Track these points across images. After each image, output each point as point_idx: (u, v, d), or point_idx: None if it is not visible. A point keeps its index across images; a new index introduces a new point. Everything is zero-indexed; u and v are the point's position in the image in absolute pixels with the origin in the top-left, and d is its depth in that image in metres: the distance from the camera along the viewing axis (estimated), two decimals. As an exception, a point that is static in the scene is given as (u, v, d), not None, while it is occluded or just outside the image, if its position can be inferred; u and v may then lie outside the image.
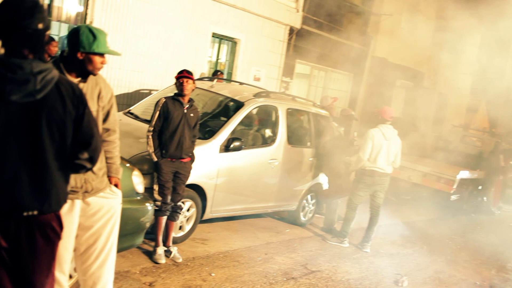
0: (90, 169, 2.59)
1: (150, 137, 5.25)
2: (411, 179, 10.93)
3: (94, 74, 3.20)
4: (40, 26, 2.30)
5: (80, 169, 2.55)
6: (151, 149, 5.24)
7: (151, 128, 5.26)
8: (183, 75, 5.25)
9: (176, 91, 5.40)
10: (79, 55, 3.09)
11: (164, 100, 5.29)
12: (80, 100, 2.43)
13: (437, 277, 6.57)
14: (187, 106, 5.33)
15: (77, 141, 2.44)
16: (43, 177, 2.36)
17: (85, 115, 2.44)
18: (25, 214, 2.33)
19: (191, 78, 5.29)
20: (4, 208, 2.30)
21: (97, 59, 3.13)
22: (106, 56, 3.25)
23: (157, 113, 5.25)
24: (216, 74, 9.02)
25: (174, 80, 5.44)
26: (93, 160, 2.54)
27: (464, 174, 10.84)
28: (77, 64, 3.13)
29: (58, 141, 2.37)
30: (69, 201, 3.22)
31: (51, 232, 2.44)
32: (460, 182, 10.65)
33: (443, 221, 10.19)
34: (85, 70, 3.16)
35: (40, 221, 2.39)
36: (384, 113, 7.04)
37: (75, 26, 3.17)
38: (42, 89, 2.30)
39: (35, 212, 2.35)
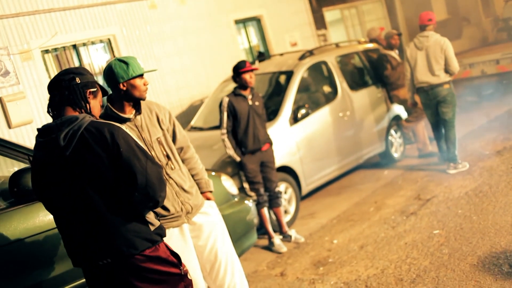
0: (154, 206, 2.46)
1: (226, 138, 5.23)
2: (485, 72, 10.34)
3: (143, 99, 3.20)
4: (78, 80, 2.44)
5: (142, 209, 2.45)
6: (231, 151, 5.22)
7: (224, 131, 5.23)
8: (250, 69, 5.16)
9: (236, 86, 5.33)
10: (121, 86, 3.11)
11: (228, 99, 5.23)
12: (110, 140, 2.32)
13: (555, 154, 6.18)
14: (250, 96, 5.27)
15: (124, 182, 2.35)
16: (104, 226, 2.37)
17: (121, 154, 2.32)
18: (100, 263, 2.39)
19: (256, 69, 5.24)
20: (83, 260, 2.45)
21: (138, 82, 3.13)
22: (147, 79, 3.26)
23: (225, 113, 5.21)
24: (260, 56, 8.90)
25: (218, 81, 5.37)
26: (149, 197, 2.38)
27: (538, 43, 10.14)
28: (124, 96, 3.14)
29: (102, 187, 2.35)
30: (177, 229, 3.28)
31: (150, 274, 2.43)
32: (538, 53, 9.96)
33: (536, 98, 9.59)
34: (133, 98, 3.16)
35: (128, 266, 2.40)
36: (420, 20, 6.61)
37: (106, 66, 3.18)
38: (68, 144, 2.33)
39: (109, 260, 2.39)
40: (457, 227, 4.75)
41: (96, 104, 2.54)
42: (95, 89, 2.52)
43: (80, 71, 2.50)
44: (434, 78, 6.41)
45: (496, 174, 5.94)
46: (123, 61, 3.12)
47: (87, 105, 2.47)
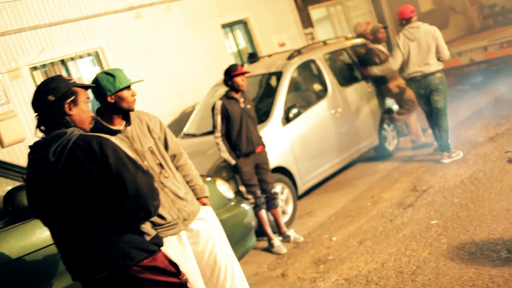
0: (148, 216, 2.45)
1: (220, 142, 5.23)
2: (473, 60, 10.40)
3: (132, 110, 3.21)
4: (51, 97, 2.38)
5: (136, 219, 2.43)
6: (226, 154, 5.22)
7: (218, 134, 5.23)
8: (242, 72, 5.18)
9: (227, 89, 5.33)
10: (109, 99, 3.11)
11: (221, 102, 5.23)
12: (99, 152, 2.31)
13: (548, 136, 6.21)
14: (242, 100, 5.29)
15: (115, 193, 2.35)
16: (98, 239, 2.38)
17: (110, 165, 2.31)
18: (97, 276, 2.39)
19: (247, 72, 5.27)
20: (81, 274, 2.44)
21: (126, 94, 3.14)
22: (137, 89, 3.27)
23: (219, 116, 5.21)
24: (252, 57, 8.94)
25: (208, 86, 5.39)
26: (141, 207, 2.37)
27: (525, 27, 10.19)
28: (113, 108, 3.15)
29: (94, 200, 2.36)
30: (175, 237, 3.29)
31: (149, 284, 2.43)
32: (525, 38, 10.01)
33: (526, 82, 9.63)
34: (122, 110, 3.17)
35: (126, 278, 2.41)
36: (402, 15, 6.68)
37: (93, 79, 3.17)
38: (58, 159, 2.33)
39: (105, 273, 2.39)
40: (454, 216, 4.77)
41: (80, 110, 2.45)
42: (73, 97, 2.41)
43: (51, 86, 2.40)
44: (427, 67, 6.48)
45: (490, 160, 5.97)
46: (110, 74, 3.13)
47: (69, 118, 2.41)
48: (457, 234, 4.37)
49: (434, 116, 6.65)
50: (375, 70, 7.00)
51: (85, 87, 2.53)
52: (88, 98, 2.53)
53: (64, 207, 2.37)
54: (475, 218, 4.57)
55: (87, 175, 2.33)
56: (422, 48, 6.48)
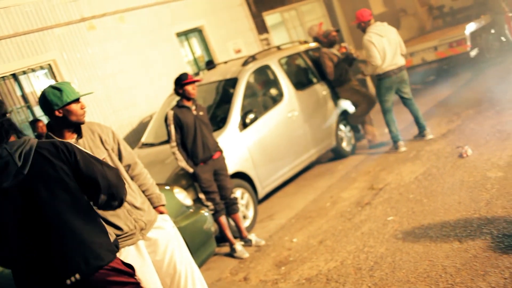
0: (120, 204, 2.63)
1: (177, 151, 5.24)
2: (425, 59, 10.70)
3: (82, 122, 3.18)
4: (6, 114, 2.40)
5: (110, 209, 2.61)
6: (183, 163, 5.22)
7: (174, 143, 5.24)
8: (192, 81, 5.21)
9: (178, 99, 5.37)
10: (57, 113, 3.07)
11: (173, 112, 5.25)
12: (66, 151, 2.42)
13: (496, 130, 6.43)
14: (194, 107, 5.31)
15: (88, 188, 2.48)
16: (69, 240, 2.37)
17: (79, 162, 2.43)
18: (68, 282, 2.36)
19: (198, 80, 5.33)
20: (49, 281, 2.38)
21: (74, 107, 3.10)
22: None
23: (172, 126, 5.22)
24: (208, 64, 8.97)
25: (165, 95, 5.38)
26: (114, 197, 2.56)
27: (471, 27, 10.55)
28: (62, 123, 3.11)
29: (68, 199, 2.39)
30: (133, 247, 3.27)
31: (114, 286, 2.44)
32: (472, 36, 10.38)
33: (476, 80, 9.95)
34: (71, 124, 3.14)
35: (95, 281, 2.39)
36: (362, 17, 6.99)
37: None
38: (25, 163, 2.34)
39: (77, 276, 2.36)
40: (409, 212, 4.90)
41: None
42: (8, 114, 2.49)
43: None
44: (400, 60, 6.97)
45: (443, 156, 6.15)
46: (56, 88, 3.09)
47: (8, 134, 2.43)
48: (412, 229, 4.49)
49: (408, 106, 7.14)
50: (369, 71, 7.19)
51: None
52: None
53: (30, 210, 2.34)
54: (429, 213, 4.71)
55: (60, 174, 2.38)
56: (392, 43, 6.90)
